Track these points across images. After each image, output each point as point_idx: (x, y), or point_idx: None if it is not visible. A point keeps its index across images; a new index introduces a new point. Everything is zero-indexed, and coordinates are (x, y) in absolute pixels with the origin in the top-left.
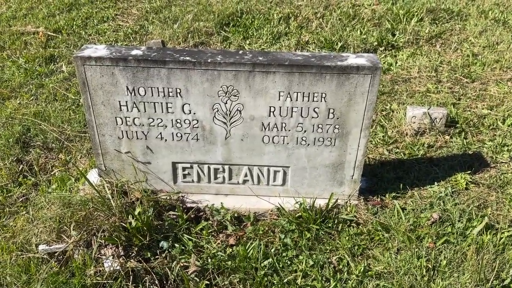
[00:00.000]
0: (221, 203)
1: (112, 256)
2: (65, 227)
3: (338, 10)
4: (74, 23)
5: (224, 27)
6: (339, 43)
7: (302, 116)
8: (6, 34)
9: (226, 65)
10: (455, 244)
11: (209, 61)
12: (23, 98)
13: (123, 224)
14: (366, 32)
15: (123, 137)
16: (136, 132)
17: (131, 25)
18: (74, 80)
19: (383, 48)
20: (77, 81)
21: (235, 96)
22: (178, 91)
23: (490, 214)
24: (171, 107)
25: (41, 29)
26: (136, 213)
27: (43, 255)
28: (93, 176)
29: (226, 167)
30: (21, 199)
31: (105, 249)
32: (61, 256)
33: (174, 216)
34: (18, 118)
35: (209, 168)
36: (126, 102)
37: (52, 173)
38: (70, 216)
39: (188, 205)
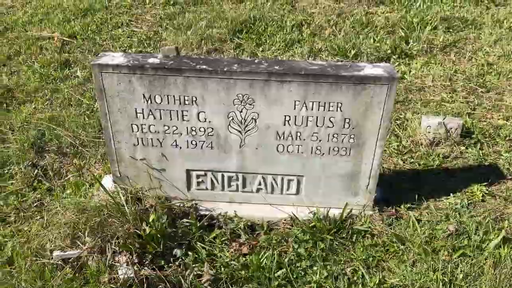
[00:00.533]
0: (235, 211)
1: (126, 264)
2: (79, 233)
3: (352, 18)
4: (89, 28)
5: (237, 34)
6: (352, 50)
7: (317, 126)
8: (22, 39)
9: (242, 74)
10: (471, 258)
11: (225, 69)
12: (38, 103)
13: (137, 231)
14: (380, 40)
15: (138, 144)
16: (152, 139)
17: (145, 31)
18: (88, 85)
19: (396, 56)
20: (91, 87)
21: (250, 104)
22: (194, 99)
23: (507, 227)
24: (186, 115)
25: (56, 34)
26: (150, 220)
27: (58, 261)
28: (107, 182)
29: (240, 175)
30: (35, 204)
31: (119, 256)
32: (76, 263)
33: (188, 224)
34: (33, 122)
35: (223, 176)
36: (142, 109)
37: (67, 178)
38: (84, 222)
39: (202, 212)
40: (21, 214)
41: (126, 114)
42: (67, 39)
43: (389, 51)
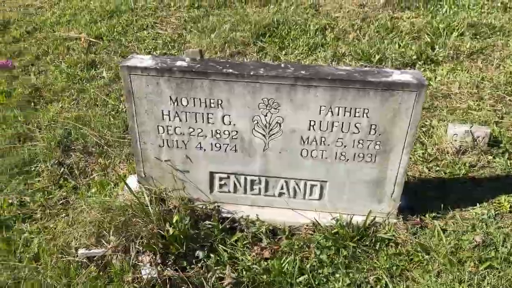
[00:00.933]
0: (257, 215)
1: (149, 264)
2: (104, 232)
3: (376, 22)
4: (115, 30)
5: (261, 37)
6: (376, 55)
7: (342, 131)
8: (50, 39)
9: (269, 78)
10: (499, 270)
11: (252, 73)
12: (65, 102)
13: (161, 231)
14: (405, 45)
15: (163, 145)
16: (177, 141)
17: (170, 34)
18: (114, 86)
19: (422, 62)
20: (117, 88)
21: (275, 109)
22: (220, 102)
23: None
24: (211, 118)
25: (83, 35)
26: (173, 221)
27: (83, 259)
28: (132, 182)
29: (263, 179)
30: (61, 202)
31: (142, 256)
32: (100, 261)
33: (210, 226)
34: (60, 121)
35: (245, 179)
36: (169, 111)
37: (92, 177)
38: (109, 221)
39: (224, 215)
40: (47, 211)
41: (152, 116)
42: (93, 40)
43: (414, 57)
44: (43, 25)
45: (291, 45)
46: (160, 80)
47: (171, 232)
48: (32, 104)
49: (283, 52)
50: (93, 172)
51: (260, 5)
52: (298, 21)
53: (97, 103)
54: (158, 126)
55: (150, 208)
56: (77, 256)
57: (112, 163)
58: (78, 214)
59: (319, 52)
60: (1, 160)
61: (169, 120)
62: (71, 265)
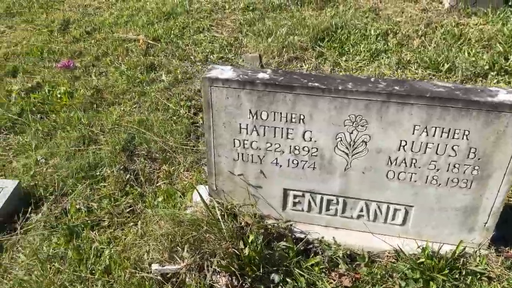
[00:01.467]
0: (333, 237)
1: (226, 286)
2: (177, 247)
3: (442, 29)
4: (172, 32)
5: (319, 42)
6: (445, 64)
7: (437, 154)
8: (109, 40)
9: (359, 93)
10: None
11: (339, 88)
12: (127, 105)
13: (235, 250)
14: (475, 54)
15: (238, 159)
16: (252, 155)
17: (226, 37)
18: (173, 90)
19: (495, 73)
20: (176, 92)
21: (362, 126)
22: (302, 117)
23: None
24: (291, 133)
25: (141, 37)
26: (249, 240)
27: (157, 275)
28: (197, 193)
29: (341, 199)
30: (128, 210)
31: (218, 276)
32: (174, 279)
33: (284, 247)
34: (123, 125)
35: (322, 198)
36: (247, 125)
37: (158, 184)
38: (181, 235)
39: (297, 235)
40: (115, 220)
41: (230, 129)
42: (151, 42)
43: (486, 67)
44: (102, 25)
45: (351, 50)
46: (241, 93)
47: (246, 252)
48: (94, 106)
49: (343, 58)
50: (158, 179)
51: (316, 8)
52: (357, 25)
53: (158, 107)
54: (234, 139)
55: (222, 224)
56: (151, 272)
57: (177, 171)
58: (147, 224)
59: (382, 58)
60: (67, 163)
61: (246, 133)
62: (146, 283)
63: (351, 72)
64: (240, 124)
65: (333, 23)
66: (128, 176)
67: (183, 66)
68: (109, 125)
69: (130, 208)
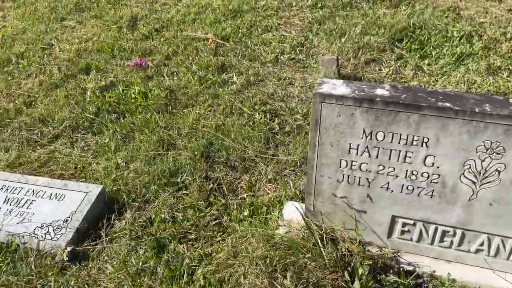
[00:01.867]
0: (449, 273)
1: None
2: (275, 272)
3: None
4: (240, 31)
5: (396, 43)
6: None
7: None
8: (178, 39)
9: (499, 117)
10: None
11: (476, 110)
12: (201, 108)
13: (343, 283)
14: None
15: (342, 181)
16: (360, 178)
17: (295, 36)
18: (246, 93)
19: None
20: (249, 95)
21: (498, 154)
22: (425, 140)
23: None
24: (410, 157)
25: (210, 36)
26: (359, 272)
27: None
28: (288, 210)
29: (459, 231)
30: (213, 223)
31: None
32: None
33: (393, 281)
34: (200, 129)
35: (436, 229)
36: (358, 145)
37: (241, 197)
38: (278, 259)
39: (404, 266)
40: (202, 233)
41: (337, 148)
42: (220, 41)
43: None
44: (170, 23)
45: (433, 53)
46: (356, 111)
47: (357, 287)
48: (169, 107)
49: (426, 62)
50: (241, 190)
51: (390, 6)
52: (437, 25)
53: (233, 111)
54: (341, 159)
55: (323, 250)
56: None
57: (259, 182)
58: (236, 241)
59: (469, 63)
60: (147, 168)
61: (356, 154)
62: None
63: (436, 77)
64: (350, 144)
65: (411, 22)
66: (210, 185)
67: (253, 67)
68: (186, 129)
69: (216, 221)
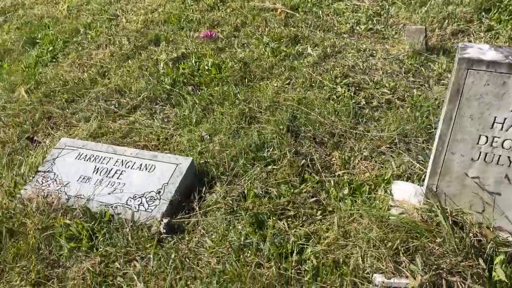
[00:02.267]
0: None
1: None
2: (398, 256)
3: None
4: (309, 0)
5: (483, 13)
6: None
7: None
8: (245, 9)
9: None
10: None
11: None
12: (278, 81)
13: (480, 271)
14: None
15: (478, 159)
16: (500, 156)
17: (369, 6)
18: (324, 65)
19: None
20: (327, 67)
21: None
22: None
23: None
24: None
25: (279, 6)
26: (498, 260)
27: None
28: (398, 190)
29: None
30: (311, 200)
31: None
32: None
33: None
34: (281, 103)
35: None
36: (505, 119)
37: (336, 174)
38: (400, 243)
39: None
40: (300, 210)
41: (477, 122)
42: (289, 11)
43: None
44: None
45: None
46: (510, 80)
47: (498, 276)
48: (245, 80)
49: None
50: (335, 167)
51: None
52: None
53: (312, 84)
54: (481, 135)
55: (452, 235)
56: (373, 283)
57: (353, 159)
58: (343, 221)
59: None
60: (232, 141)
61: (501, 129)
62: None
63: None
64: (495, 117)
65: None
66: (303, 161)
67: (328, 39)
68: (267, 102)
69: (313, 199)
